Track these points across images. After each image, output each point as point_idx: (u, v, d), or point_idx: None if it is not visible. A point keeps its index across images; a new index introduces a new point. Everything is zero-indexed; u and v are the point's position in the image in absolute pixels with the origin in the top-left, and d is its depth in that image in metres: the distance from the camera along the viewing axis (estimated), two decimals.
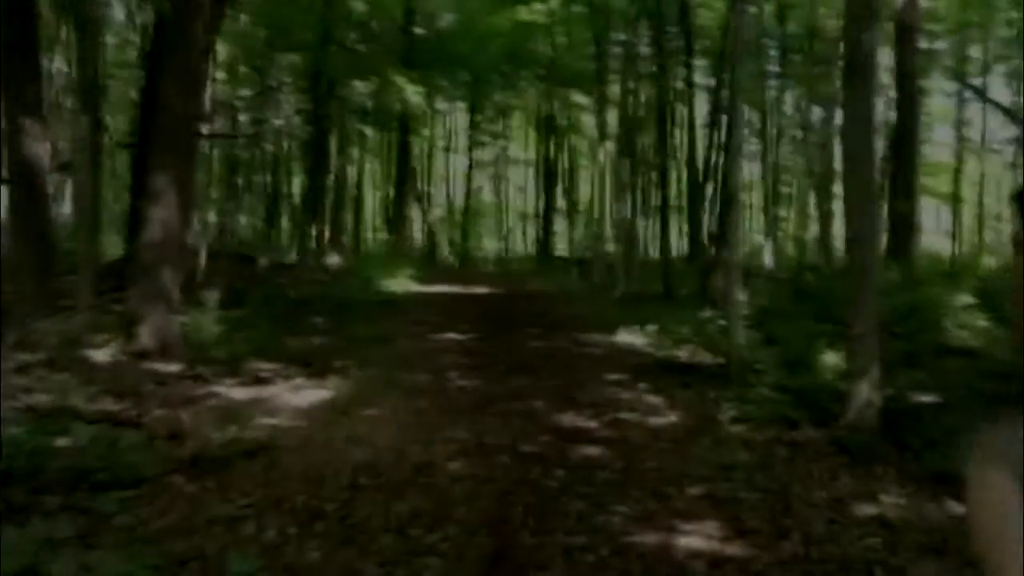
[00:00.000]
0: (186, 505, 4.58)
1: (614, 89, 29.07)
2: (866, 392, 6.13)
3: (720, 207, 17.23)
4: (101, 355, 8.49)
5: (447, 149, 44.43)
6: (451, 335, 11.58)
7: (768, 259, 18.43)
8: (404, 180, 29.26)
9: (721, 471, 5.29)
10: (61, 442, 5.60)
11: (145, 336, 8.63)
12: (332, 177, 24.96)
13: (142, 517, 4.39)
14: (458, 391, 7.81)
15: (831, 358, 7.48)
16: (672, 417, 6.79)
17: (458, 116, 43.14)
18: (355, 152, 29.22)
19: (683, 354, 9.45)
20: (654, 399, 7.42)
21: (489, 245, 43.50)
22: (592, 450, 5.78)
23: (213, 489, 4.88)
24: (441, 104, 40.15)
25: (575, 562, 3.87)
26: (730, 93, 15.42)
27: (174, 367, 8.19)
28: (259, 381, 7.91)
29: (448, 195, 43.19)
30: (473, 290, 20.23)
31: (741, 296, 8.40)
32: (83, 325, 8.64)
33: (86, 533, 4.22)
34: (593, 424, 6.56)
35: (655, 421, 6.65)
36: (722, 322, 9.00)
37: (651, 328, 10.81)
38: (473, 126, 39.15)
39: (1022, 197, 1.03)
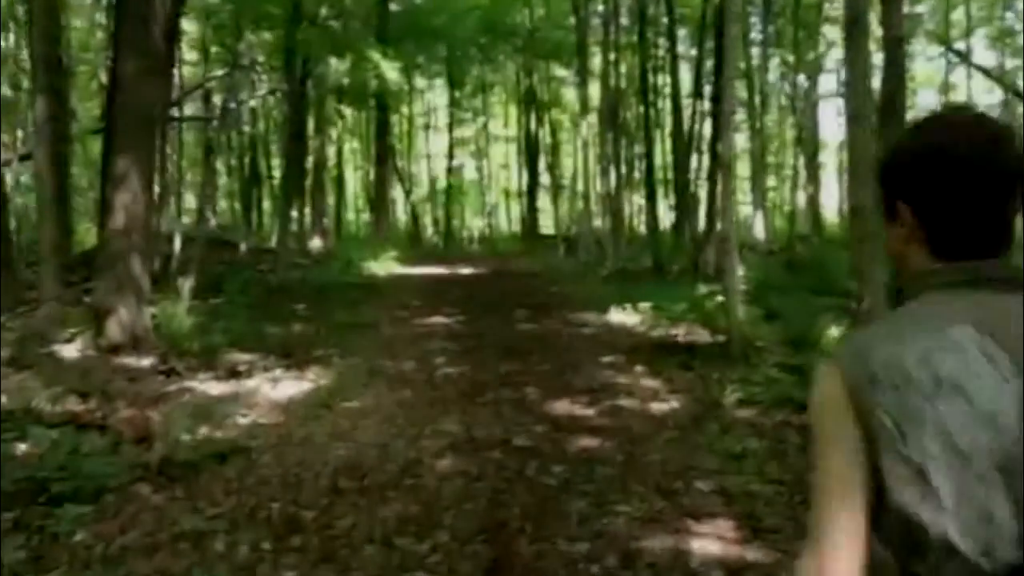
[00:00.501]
0: (151, 519, 4.18)
1: (596, 62, 28.63)
2: None
3: (708, 178, 16.84)
4: (68, 350, 8.04)
5: (427, 127, 43.81)
6: (437, 319, 11.19)
7: (758, 231, 18.08)
8: (384, 160, 28.68)
9: (731, 461, 4.94)
10: (19, 449, 5.20)
11: (114, 329, 8.18)
12: (311, 159, 24.35)
13: (102, 534, 4.00)
14: (445, 379, 7.43)
15: (835, 333, 7.14)
16: (673, 402, 6.42)
17: (438, 93, 42.53)
18: (333, 132, 28.55)
19: (679, 332, 9.10)
20: (652, 382, 7.06)
21: (473, 224, 43.01)
22: (590, 441, 5.41)
23: (181, 498, 4.49)
24: (420, 81, 39.55)
25: (580, 574, 3.51)
26: (716, 59, 15.01)
27: (145, 361, 7.76)
28: (236, 374, 7.49)
29: (430, 174, 42.59)
30: (458, 271, 19.82)
31: (739, 270, 8.04)
32: (48, 319, 8.18)
33: (40, 555, 3.83)
34: (590, 412, 6.18)
35: (655, 407, 6.29)
36: (720, 298, 8.64)
37: (644, 306, 10.44)
38: (453, 103, 38.54)
39: (885, 173, 1.14)
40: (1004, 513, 0.95)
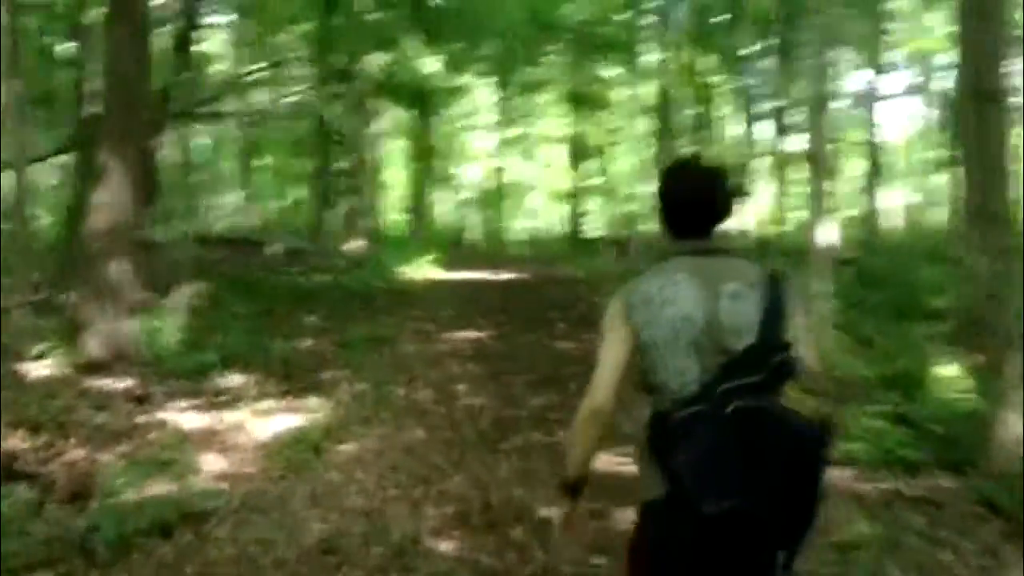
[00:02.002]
0: None
1: (648, 60, 27.26)
2: (1019, 425, 4.44)
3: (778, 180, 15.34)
4: (38, 369, 7.01)
5: (474, 128, 42.73)
6: (466, 333, 9.98)
7: (823, 238, 16.52)
8: (426, 160, 27.63)
9: (836, 554, 3.64)
10: None
11: (91, 345, 7.15)
12: (352, 157, 23.33)
13: None
14: (466, 414, 6.21)
15: (948, 371, 5.76)
16: None
17: (485, 94, 41.41)
18: (374, 130, 27.54)
19: None
20: None
21: (518, 227, 41.78)
22: None
23: None
24: (466, 80, 38.48)
25: None
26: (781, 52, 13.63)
27: (123, 384, 6.68)
28: (220, 404, 6.36)
29: (475, 176, 41.51)
30: (498, 276, 18.61)
31: (828, 288, 6.69)
32: (16, 331, 7.16)
33: None
34: None
35: None
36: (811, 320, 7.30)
37: None
38: (501, 102, 37.40)
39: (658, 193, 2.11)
40: (692, 368, 1.88)
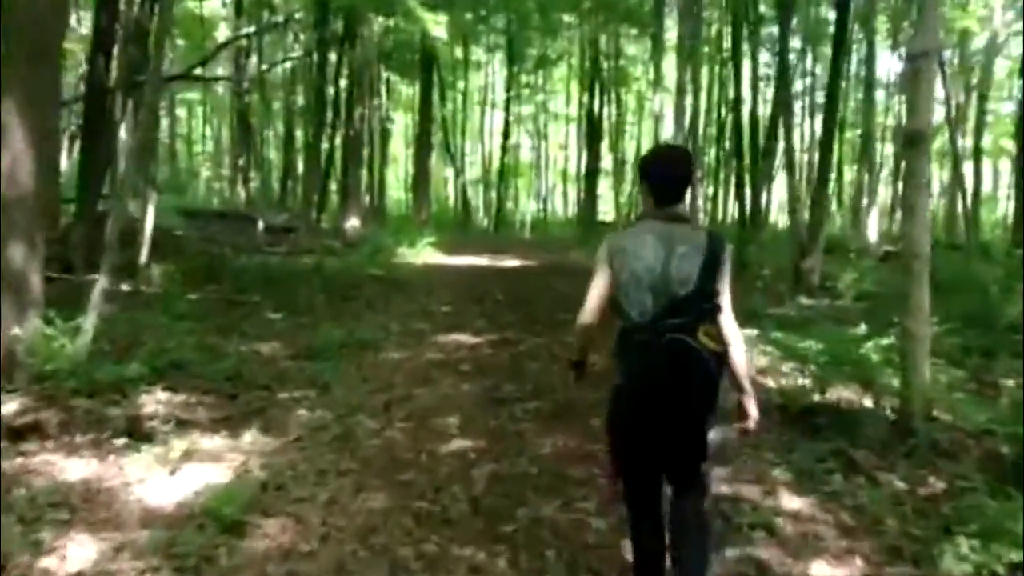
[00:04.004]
0: None
1: (670, 37, 25.44)
2: None
3: (819, 166, 13.64)
4: None
5: (483, 103, 40.94)
6: (463, 337, 8.37)
7: (872, 232, 14.87)
8: (428, 135, 25.93)
9: None
10: None
11: None
12: (353, 130, 21.58)
13: None
14: (455, 465, 4.59)
15: None
16: (840, 554, 3.53)
17: (496, 69, 39.59)
18: (376, 102, 25.77)
19: (808, 384, 6.12)
20: (794, 500, 4.14)
21: (527, 208, 40.03)
22: None
23: None
24: (477, 54, 36.67)
25: None
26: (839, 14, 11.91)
27: (8, 407, 5.08)
28: (134, 437, 4.75)
29: (483, 154, 39.73)
30: (503, 262, 17.00)
31: (924, 302, 5.04)
32: None
33: None
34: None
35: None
36: (885, 340, 5.66)
37: (747, 332, 7.47)
38: (511, 77, 35.57)
39: (640, 167, 2.97)
40: (647, 302, 2.65)
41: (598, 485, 4.27)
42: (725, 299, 2.69)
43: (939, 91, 18.10)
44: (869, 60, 16.10)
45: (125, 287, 9.99)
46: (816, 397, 5.66)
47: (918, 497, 4.15)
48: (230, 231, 18.34)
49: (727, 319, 2.69)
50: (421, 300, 10.87)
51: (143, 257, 10.55)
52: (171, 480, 4.26)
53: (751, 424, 2.83)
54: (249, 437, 4.95)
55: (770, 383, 6.35)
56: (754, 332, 7.65)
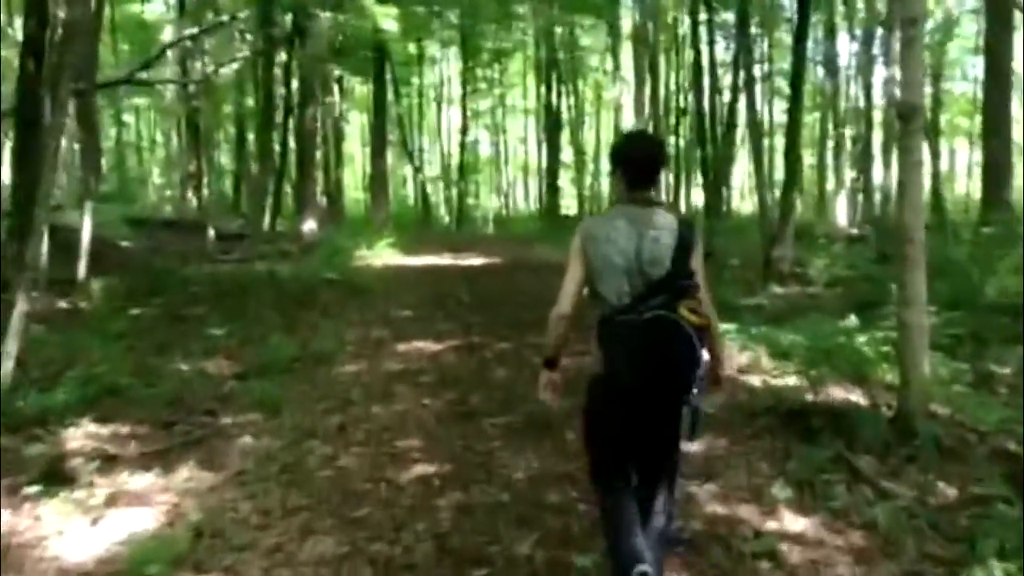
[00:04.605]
0: None
1: (626, 25, 25.14)
2: None
3: (786, 151, 13.31)
4: None
5: (439, 99, 40.33)
6: (423, 344, 7.87)
7: (840, 216, 14.60)
8: (383, 133, 25.31)
9: None
10: None
11: None
12: (306, 131, 20.89)
13: None
14: (418, 497, 4.10)
15: None
16: (841, 572, 3.13)
17: (451, 64, 38.98)
18: (329, 100, 25.07)
19: (797, 383, 5.72)
20: (797, 519, 3.71)
21: (488, 204, 39.50)
22: None
23: None
24: (432, 50, 36.05)
25: None
26: None
27: None
28: (28, 496, 4.18)
29: (442, 150, 39.13)
30: (465, 261, 16.50)
31: (921, 290, 4.65)
32: None
33: None
34: None
35: None
36: (880, 334, 5.27)
37: (729, 329, 7.08)
38: (467, 72, 35.00)
39: (612, 153, 3.00)
40: (624, 286, 2.65)
41: (579, 512, 3.81)
42: (699, 279, 2.71)
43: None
44: (830, 41, 15.83)
45: (63, 304, 9.40)
46: (809, 396, 5.25)
47: (931, 508, 3.76)
48: (179, 240, 17.64)
49: (703, 296, 2.70)
50: (380, 305, 10.34)
51: (81, 271, 9.90)
52: (93, 531, 3.73)
53: (720, 391, 2.99)
54: (185, 473, 4.42)
55: (755, 382, 5.94)
56: (732, 326, 7.26)
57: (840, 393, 5.32)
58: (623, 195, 2.79)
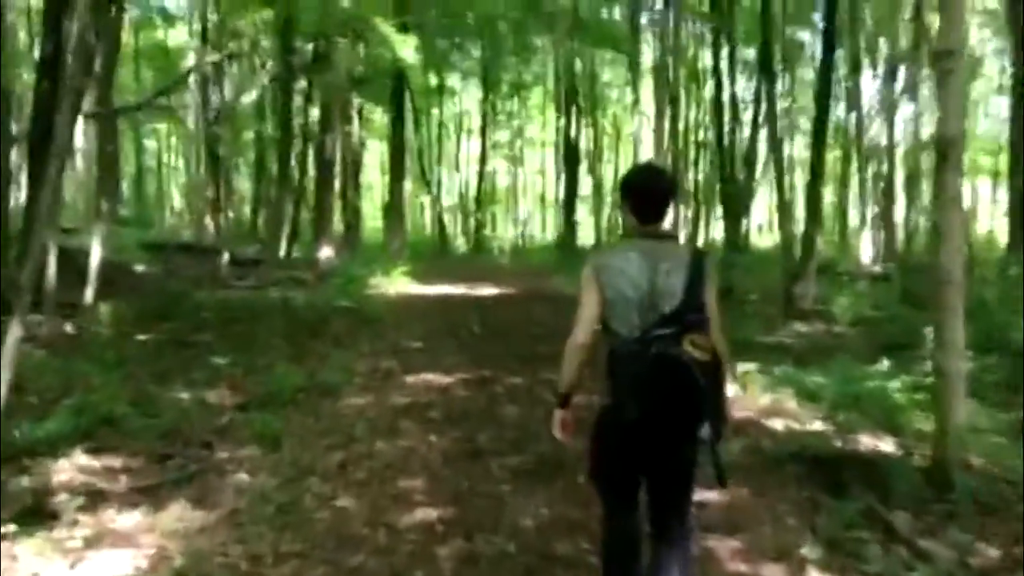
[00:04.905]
0: None
1: (646, 60, 25.04)
2: None
3: (809, 187, 13.05)
4: None
5: (458, 130, 40.43)
6: (433, 376, 7.63)
7: (865, 254, 14.31)
8: (401, 162, 25.28)
9: None
10: None
11: None
12: (325, 159, 20.85)
13: None
14: (419, 542, 3.83)
15: None
16: None
17: (470, 96, 39.09)
18: (348, 129, 25.08)
19: (821, 425, 5.43)
20: None
21: (505, 234, 39.38)
22: None
23: None
24: (453, 81, 36.16)
25: None
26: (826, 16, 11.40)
27: None
28: (27, 524, 3.96)
29: (460, 180, 39.14)
30: (480, 291, 16.28)
31: (960, 335, 4.37)
32: None
33: None
34: None
35: None
36: (910, 378, 4.99)
37: (751, 369, 6.79)
38: (486, 102, 35.06)
39: (622, 187, 2.92)
40: (636, 319, 2.61)
41: (589, 566, 3.54)
42: (711, 312, 2.69)
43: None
44: (854, 76, 15.64)
45: (68, 328, 9.25)
46: (837, 443, 4.96)
47: (974, 572, 3.46)
48: (195, 264, 17.54)
49: (714, 331, 2.66)
50: (391, 335, 10.13)
51: (88, 295, 9.76)
52: (71, 574, 3.49)
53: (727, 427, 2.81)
54: (175, 511, 4.18)
55: (778, 426, 5.65)
56: (753, 366, 6.97)
57: (870, 441, 5.03)
58: (635, 228, 2.78)
